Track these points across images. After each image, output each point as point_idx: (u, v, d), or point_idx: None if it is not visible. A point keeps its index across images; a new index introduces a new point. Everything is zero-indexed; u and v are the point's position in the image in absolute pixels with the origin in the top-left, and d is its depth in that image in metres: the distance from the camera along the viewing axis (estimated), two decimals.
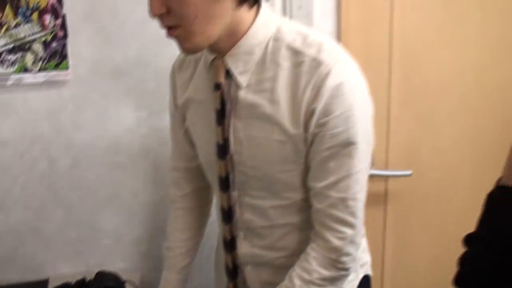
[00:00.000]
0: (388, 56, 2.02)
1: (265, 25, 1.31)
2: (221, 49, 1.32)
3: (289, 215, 1.44)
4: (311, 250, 1.36)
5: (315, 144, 1.30)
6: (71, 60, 1.91)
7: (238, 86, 1.34)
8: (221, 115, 1.37)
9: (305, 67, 1.27)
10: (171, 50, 1.73)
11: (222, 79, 1.34)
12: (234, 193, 1.45)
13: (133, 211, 2.11)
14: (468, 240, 0.94)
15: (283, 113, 1.30)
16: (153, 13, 1.22)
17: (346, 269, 1.37)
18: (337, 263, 1.34)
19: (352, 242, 1.35)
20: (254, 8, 1.30)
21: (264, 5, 1.33)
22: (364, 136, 1.30)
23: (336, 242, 1.33)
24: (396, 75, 2.05)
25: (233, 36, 1.30)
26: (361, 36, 1.97)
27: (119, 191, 2.07)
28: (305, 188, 1.38)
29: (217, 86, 1.35)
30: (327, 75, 1.24)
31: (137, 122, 2.00)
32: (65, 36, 1.88)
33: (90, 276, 1.94)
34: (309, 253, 1.36)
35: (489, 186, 2.28)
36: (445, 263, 2.26)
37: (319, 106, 1.25)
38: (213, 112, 1.38)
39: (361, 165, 1.31)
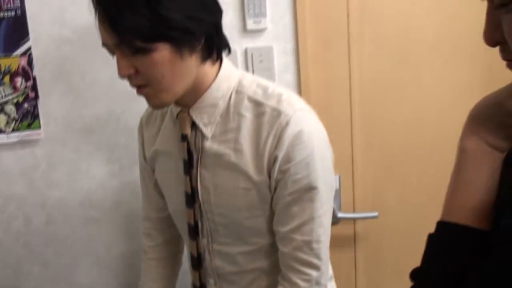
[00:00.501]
0: (348, 106, 2.09)
1: (227, 79, 1.38)
2: (186, 102, 1.38)
3: (257, 260, 1.48)
4: None
5: (278, 190, 1.35)
6: (42, 119, 1.96)
7: (203, 137, 1.39)
8: (189, 165, 1.42)
9: (266, 117, 1.33)
10: (139, 106, 1.79)
11: (188, 131, 1.40)
12: (203, 241, 1.49)
13: (108, 264, 2.13)
14: (414, 275, 0.99)
15: (247, 162, 1.35)
16: (121, 74, 1.28)
17: None
18: None
19: (318, 283, 1.39)
20: (217, 63, 1.38)
21: (225, 60, 1.40)
22: (324, 181, 1.36)
23: (302, 284, 1.37)
24: (357, 123, 2.11)
25: (198, 90, 1.36)
26: (321, 88, 2.04)
27: (94, 245, 2.10)
28: (272, 233, 1.43)
29: (184, 137, 1.41)
30: (287, 124, 1.31)
31: (109, 176, 2.05)
32: (36, 96, 1.94)
33: None
34: None
35: None
36: None
37: (281, 154, 1.31)
38: (181, 162, 1.44)
39: (323, 209, 1.37)
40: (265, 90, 1.38)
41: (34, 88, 1.94)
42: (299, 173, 1.33)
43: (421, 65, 2.10)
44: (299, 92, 1.99)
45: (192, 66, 1.31)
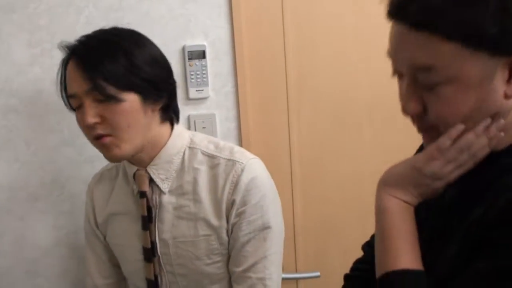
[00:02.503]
0: (289, 168, 2.17)
1: (180, 137, 1.52)
2: (142, 160, 1.49)
3: None
4: None
5: (234, 232, 1.45)
6: None
7: (161, 192, 1.49)
8: (147, 220, 1.49)
9: (221, 167, 1.47)
10: (83, 173, 1.84)
11: (146, 188, 1.49)
12: None
13: None
14: None
15: (206, 209, 1.46)
16: (87, 122, 1.36)
17: None
18: None
19: None
20: (170, 125, 1.51)
21: (175, 124, 1.52)
22: (276, 221, 1.49)
23: None
24: (298, 185, 2.19)
25: (154, 148, 1.48)
26: (263, 152, 2.07)
27: None
28: (228, 279, 1.52)
29: (142, 194, 1.49)
30: (242, 171, 1.45)
31: (56, 242, 2.04)
32: None
33: None
34: None
35: None
36: None
37: (238, 198, 1.43)
38: (138, 220, 1.51)
39: (275, 248, 1.47)
40: (216, 144, 1.53)
41: None
42: (254, 214, 1.45)
43: (359, 125, 2.19)
44: None
45: (154, 122, 1.45)
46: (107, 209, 1.62)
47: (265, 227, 1.46)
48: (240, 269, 1.46)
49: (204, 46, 2.00)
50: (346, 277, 1.39)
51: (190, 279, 1.52)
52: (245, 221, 1.44)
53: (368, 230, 2.23)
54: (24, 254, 2.04)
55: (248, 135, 2.08)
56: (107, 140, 1.39)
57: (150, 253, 1.51)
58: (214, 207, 1.46)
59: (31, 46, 1.92)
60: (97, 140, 1.40)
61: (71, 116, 1.75)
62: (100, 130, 1.38)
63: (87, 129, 1.39)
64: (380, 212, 1.09)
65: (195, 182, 1.48)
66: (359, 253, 2.28)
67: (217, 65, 2.04)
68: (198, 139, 1.54)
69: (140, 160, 1.49)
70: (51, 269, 2.07)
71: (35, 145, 1.98)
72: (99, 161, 1.95)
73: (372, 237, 1.31)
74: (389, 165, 2.20)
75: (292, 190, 2.17)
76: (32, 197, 2.01)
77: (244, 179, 1.45)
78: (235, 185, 1.44)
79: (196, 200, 1.48)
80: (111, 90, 1.35)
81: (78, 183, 1.98)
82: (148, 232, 1.50)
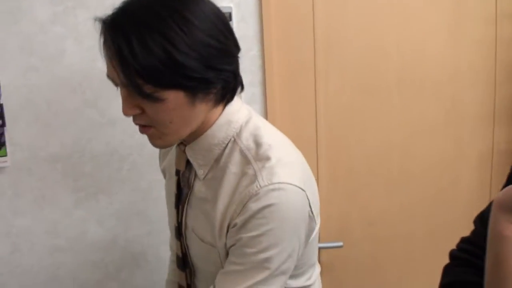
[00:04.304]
0: (315, 137, 2.13)
1: (226, 126, 1.30)
2: (184, 139, 1.32)
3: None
4: None
5: (228, 254, 1.29)
6: (9, 147, 1.95)
7: (196, 176, 1.34)
8: (177, 199, 1.40)
9: (246, 180, 1.24)
10: (105, 135, 1.81)
11: (182, 167, 1.37)
12: (188, 271, 1.48)
13: None
14: None
15: (216, 221, 1.29)
16: (125, 114, 1.20)
17: None
18: None
19: None
20: (223, 105, 1.30)
21: (234, 102, 1.32)
22: (279, 261, 1.25)
23: None
24: (323, 154, 2.15)
25: (198, 130, 1.29)
26: (288, 120, 2.09)
27: (59, 274, 2.08)
28: None
29: (177, 172, 1.39)
30: (255, 195, 1.21)
31: (75, 204, 2.04)
32: (2, 124, 1.93)
33: None
34: None
35: (419, 256, 2.39)
36: None
37: (240, 221, 1.22)
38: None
39: None
40: (258, 147, 1.28)
41: (1, 115, 1.93)
42: (251, 247, 1.23)
43: (386, 96, 2.14)
44: None
45: (202, 111, 1.24)
46: (165, 162, 1.56)
47: (262, 266, 1.23)
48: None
49: (230, 8, 1.95)
50: (453, 256, 1.29)
51: (208, 273, 1.41)
52: (239, 251, 1.24)
53: (395, 202, 2.23)
54: (44, 214, 2.03)
55: (273, 101, 2.04)
56: (149, 131, 1.25)
57: (177, 231, 1.44)
58: (220, 223, 1.28)
59: (54, 4, 1.88)
60: (140, 128, 1.26)
61: (94, 77, 1.72)
62: (141, 121, 1.23)
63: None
64: (497, 239, 0.97)
65: (221, 182, 1.28)
66: (384, 225, 2.28)
67: (243, 28, 1.99)
68: (247, 132, 1.31)
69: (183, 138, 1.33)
70: (70, 230, 2.06)
71: (56, 106, 1.95)
72: (121, 123, 1.93)
73: (487, 208, 1.17)
74: (417, 136, 2.17)
75: (317, 159, 2.13)
76: (53, 158, 1.99)
77: (253, 205, 1.21)
78: (243, 207, 1.22)
79: (215, 201, 1.29)
80: (149, 88, 1.14)
81: (99, 145, 1.96)
82: (176, 210, 1.41)
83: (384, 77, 2.13)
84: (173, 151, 1.49)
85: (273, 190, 1.21)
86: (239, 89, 1.32)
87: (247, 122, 1.32)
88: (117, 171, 2.03)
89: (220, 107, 1.29)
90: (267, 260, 1.22)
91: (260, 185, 1.21)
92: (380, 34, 2.09)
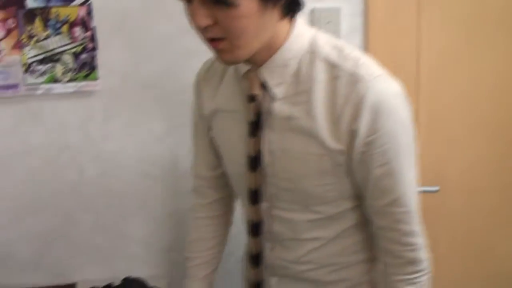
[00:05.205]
0: (414, 76, 2.02)
1: (299, 39, 1.28)
2: (256, 61, 1.29)
3: (319, 229, 1.41)
4: (388, 276, 1.37)
5: (364, 163, 1.27)
6: (100, 71, 1.92)
7: (272, 98, 1.31)
8: (255, 127, 1.34)
9: (342, 82, 1.23)
10: (199, 63, 1.74)
11: (257, 91, 1.32)
12: (264, 205, 1.43)
13: (161, 219, 2.12)
14: None
15: (321, 127, 1.26)
16: (198, 24, 1.18)
17: (427, 273, 1.37)
18: (418, 274, 1.35)
19: (423, 247, 1.35)
20: (291, 21, 1.28)
21: (298, 19, 1.30)
22: (409, 147, 1.30)
23: (410, 254, 1.33)
24: (423, 91, 2.05)
25: (270, 48, 1.27)
26: (388, 55, 1.96)
27: (148, 200, 2.09)
28: (339, 202, 1.36)
29: (252, 98, 1.33)
30: (366, 92, 1.21)
31: (166, 132, 2.01)
32: (94, 48, 1.90)
33: (117, 281, 1.97)
34: (389, 279, 1.37)
35: None
36: (471, 277, 2.27)
37: (362, 126, 1.22)
38: (244, 123, 1.36)
39: (413, 174, 1.31)
40: (340, 51, 1.27)
41: (93, 39, 1.89)
42: (387, 143, 1.24)
43: (493, 35, 2.03)
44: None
45: (272, 21, 1.22)
46: (214, 102, 1.49)
47: (400, 155, 1.27)
48: (381, 203, 1.31)
49: None
50: None
51: (295, 196, 1.38)
52: (377, 152, 1.25)
53: (494, 150, 2.12)
54: (134, 140, 2.03)
55: (375, 33, 1.93)
56: (220, 45, 1.21)
57: (254, 162, 1.37)
58: (331, 128, 1.26)
59: None
60: (210, 42, 1.23)
61: None
62: (212, 34, 1.20)
63: (199, 29, 1.21)
64: None
65: (311, 93, 1.26)
66: (481, 172, 2.19)
67: None
68: (321, 41, 1.29)
69: (254, 61, 1.30)
70: (160, 157, 2.06)
71: (150, 31, 1.92)
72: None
73: None
74: None
75: (417, 100, 2.02)
76: (145, 84, 1.97)
77: (369, 102, 1.21)
78: (357, 109, 1.21)
79: (310, 113, 1.26)
80: None
81: (192, 73, 1.89)
82: (254, 139, 1.35)
83: (491, 17, 2.01)
84: (223, 89, 1.46)
85: (380, 81, 1.24)
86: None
87: (318, 35, 1.31)
88: None
89: (287, 22, 1.27)
90: (402, 148, 1.27)
91: (366, 80, 1.22)
92: None
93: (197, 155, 1.67)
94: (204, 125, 1.56)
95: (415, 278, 1.34)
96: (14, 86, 1.92)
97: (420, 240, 1.34)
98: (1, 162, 2.02)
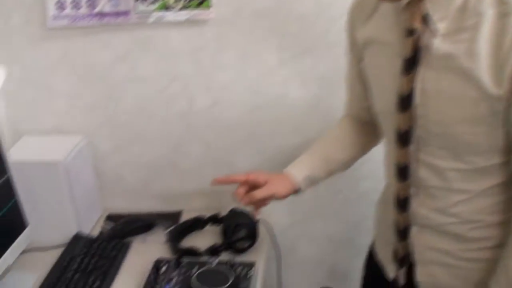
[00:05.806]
0: None
1: None
2: None
3: (468, 181, 1.31)
4: None
5: None
6: None
7: (433, 34, 1.21)
8: (411, 64, 1.26)
9: None
10: None
11: (418, 25, 1.23)
12: (411, 148, 1.35)
13: (269, 153, 2.09)
14: None
15: (483, 69, 1.16)
16: None
17: None
18: None
19: None
20: None
21: None
22: None
23: None
24: None
25: None
26: None
27: (257, 132, 2.06)
28: (489, 154, 1.26)
29: (411, 32, 1.24)
30: None
31: (278, 64, 1.94)
32: None
33: (223, 212, 1.96)
34: None
35: None
36: None
37: None
38: (397, 58, 1.28)
39: None
40: None
41: None
42: None
43: None
44: None
45: None
46: (366, 31, 1.41)
47: None
48: None
49: None
50: None
51: (445, 142, 1.29)
52: None
53: None
54: (246, 71, 1.98)
55: None
56: None
57: (405, 102, 1.29)
58: (494, 69, 1.15)
59: None
60: None
61: None
62: None
63: None
64: None
65: (476, 29, 1.15)
66: None
67: None
68: None
69: None
70: (272, 90, 2.00)
71: None
72: None
73: None
74: None
75: None
76: (259, 14, 1.89)
77: None
78: None
79: (472, 53, 1.16)
80: None
81: (308, 3, 1.81)
82: (407, 77, 1.26)
83: None
84: (378, 18, 1.37)
85: None
86: None
87: None
88: (324, 33, 1.89)
89: None
90: None
91: None
92: None
93: (347, 92, 1.66)
94: (355, 55, 1.51)
95: None
96: (124, 13, 1.87)
97: None
98: (111, 89, 2.01)
